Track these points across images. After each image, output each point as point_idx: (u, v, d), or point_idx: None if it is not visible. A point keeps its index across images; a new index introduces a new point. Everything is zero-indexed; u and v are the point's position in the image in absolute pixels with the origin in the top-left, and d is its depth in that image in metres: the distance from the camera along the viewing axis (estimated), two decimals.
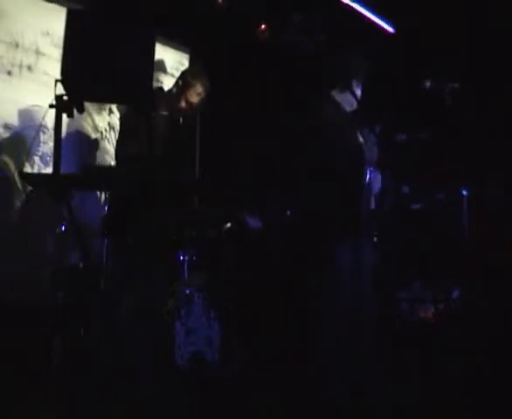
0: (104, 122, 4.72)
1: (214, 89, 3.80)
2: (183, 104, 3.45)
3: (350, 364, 3.12)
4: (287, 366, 3.86)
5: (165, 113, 3.37)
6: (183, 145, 3.47)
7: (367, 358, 3.16)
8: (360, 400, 3.10)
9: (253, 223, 4.14)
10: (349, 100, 3.35)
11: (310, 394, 3.18)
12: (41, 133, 4.12)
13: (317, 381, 3.18)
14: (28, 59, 4.28)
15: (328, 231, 3.20)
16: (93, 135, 4.66)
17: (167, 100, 3.43)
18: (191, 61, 3.71)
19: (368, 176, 3.31)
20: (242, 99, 5.39)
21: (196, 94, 3.47)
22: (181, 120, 3.52)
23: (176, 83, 3.51)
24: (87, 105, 4.58)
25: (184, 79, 3.48)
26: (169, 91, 3.49)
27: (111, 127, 4.74)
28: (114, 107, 4.74)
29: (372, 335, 3.22)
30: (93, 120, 4.66)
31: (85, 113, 4.59)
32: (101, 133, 4.70)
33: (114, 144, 4.71)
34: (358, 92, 3.38)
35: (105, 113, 4.73)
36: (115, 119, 4.72)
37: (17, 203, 4.08)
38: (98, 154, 4.65)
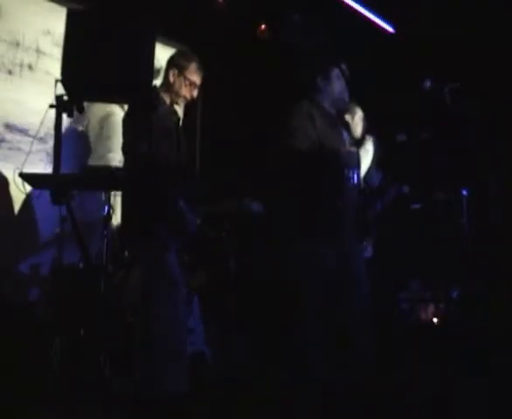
0: None
1: (214, 89, 3.79)
2: (185, 86, 3.33)
3: (349, 363, 3.13)
4: (288, 365, 3.86)
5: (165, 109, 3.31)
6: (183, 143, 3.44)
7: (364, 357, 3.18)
8: (359, 399, 3.11)
9: (256, 207, 4.12)
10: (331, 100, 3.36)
11: (310, 394, 3.18)
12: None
13: (315, 381, 3.18)
14: (29, 59, 4.28)
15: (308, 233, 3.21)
16: None
17: (167, 92, 3.35)
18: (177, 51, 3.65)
19: (356, 178, 3.30)
20: (242, 98, 5.39)
21: (196, 73, 3.37)
22: (180, 121, 3.49)
23: (168, 71, 3.39)
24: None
25: (179, 64, 3.36)
26: (164, 84, 3.39)
27: None
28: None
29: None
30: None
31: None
32: None
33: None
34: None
35: None
36: None
37: (18, 203, 4.08)
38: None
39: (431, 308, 4.70)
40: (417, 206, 4.72)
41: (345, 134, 3.42)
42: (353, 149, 3.33)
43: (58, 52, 4.24)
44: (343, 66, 3.39)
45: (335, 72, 3.37)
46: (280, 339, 3.69)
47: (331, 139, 3.26)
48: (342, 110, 3.49)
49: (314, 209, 3.16)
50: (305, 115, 3.24)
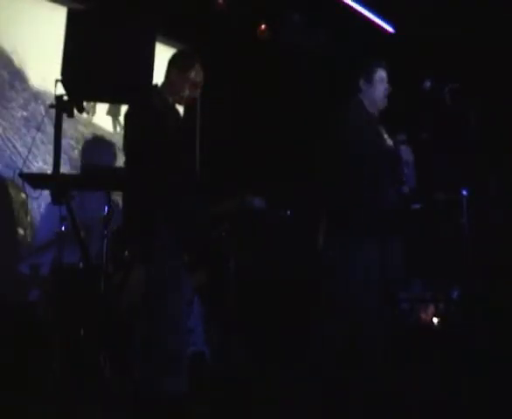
0: None
1: (214, 89, 3.79)
2: (188, 86, 3.33)
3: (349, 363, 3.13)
4: (288, 365, 3.86)
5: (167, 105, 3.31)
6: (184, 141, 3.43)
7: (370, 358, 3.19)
8: (360, 399, 3.11)
9: (258, 203, 4.12)
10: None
11: (310, 394, 3.18)
12: None
13: (317, 381, 3.19)
14: (29, 58, 4.29)
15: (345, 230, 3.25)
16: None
17: (168, 91, 3.35)
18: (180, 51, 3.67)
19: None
20: (242, 98, 5.40)
21: (198, 73, 3.38)
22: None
23: (170, 71, 3.40)
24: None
25: (181, 63, 3.37)
26: (165, 83, 3.40)
27: None
28: None
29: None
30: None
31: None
32: None
33: None
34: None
35: None
36: None
37: (18, 203, 4.08)
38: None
39: (431, 308, 4.69)
40: (417, 206, 4.72)
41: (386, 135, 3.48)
42: (409, 148, 3.38)
43: (58, 53, 4.24)
44: (385, 70, 3.45)
45: (378, 74, 3.42)
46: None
47: (383, 139, 3.32)
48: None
49: (368, 207, 3.20)
50: (358, 117, 3.31)
